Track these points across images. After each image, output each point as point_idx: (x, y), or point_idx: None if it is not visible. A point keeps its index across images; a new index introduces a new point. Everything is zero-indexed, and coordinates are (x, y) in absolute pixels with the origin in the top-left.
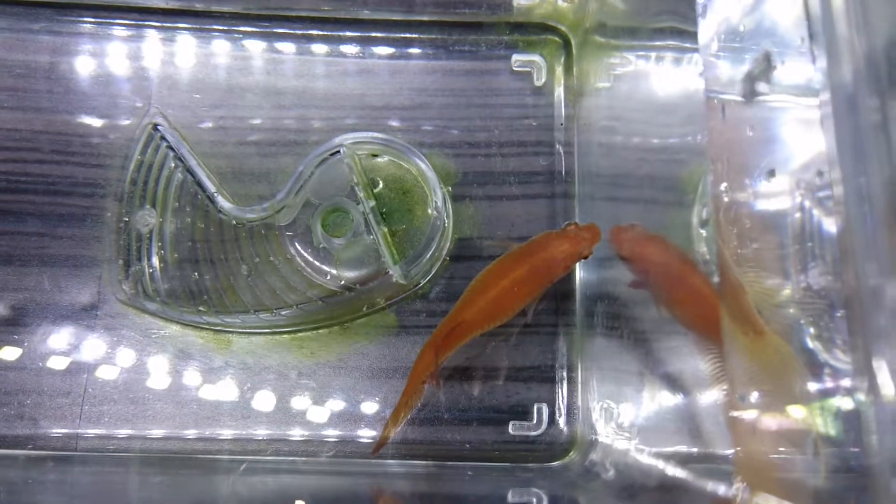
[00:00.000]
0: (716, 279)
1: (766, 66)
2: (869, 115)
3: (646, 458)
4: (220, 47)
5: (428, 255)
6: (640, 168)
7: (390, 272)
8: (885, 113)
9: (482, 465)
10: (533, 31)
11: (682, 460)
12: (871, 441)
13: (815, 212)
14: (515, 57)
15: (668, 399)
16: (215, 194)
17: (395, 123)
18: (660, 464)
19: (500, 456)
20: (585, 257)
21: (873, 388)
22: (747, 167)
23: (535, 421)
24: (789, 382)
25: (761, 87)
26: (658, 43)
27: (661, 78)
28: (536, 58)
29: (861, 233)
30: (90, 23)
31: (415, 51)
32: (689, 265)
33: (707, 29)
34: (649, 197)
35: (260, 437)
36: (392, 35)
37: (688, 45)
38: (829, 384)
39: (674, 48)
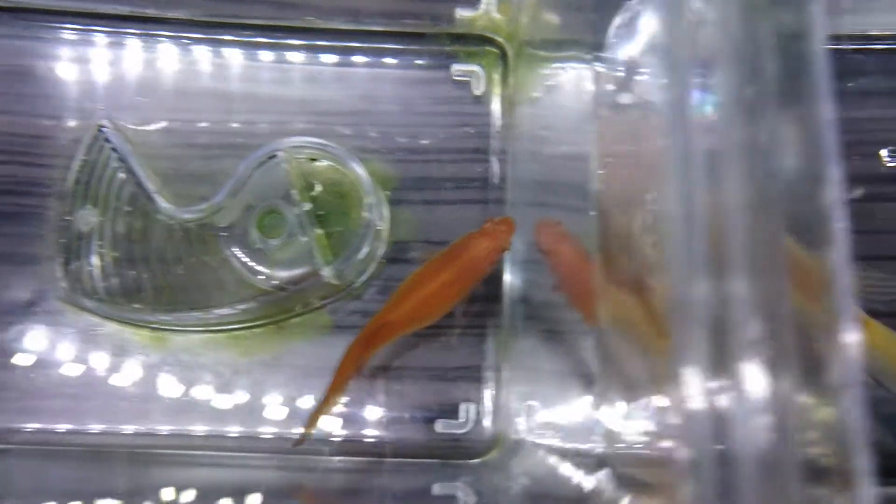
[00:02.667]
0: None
1: (628, 78)
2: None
3: (563, 454)
4: (168, 52)
5: (360, 256)
6: (566, 176)
7: (322, 273)
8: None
9: (409, 462)
10: (473, 43)
11: (598, 458)
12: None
13: None
14: (456, 67)
15: (585, 397)
16: (154, 194)
17: (339, 129)
18: (575, 460)
19: (427, 452)
20: (506, 250)
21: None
22: (645, 178)
23: (462, 419)
24: None
25: (624, 98)
26: (579, 55)
27: (581, 90)
28: (476, 68)
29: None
30: (37, 26)
31: (359, 59)
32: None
33: (615, 46)
34: (573, 205)
35: (195, 433)
36: (338, 43)
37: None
38: None
39: (591, 61)
